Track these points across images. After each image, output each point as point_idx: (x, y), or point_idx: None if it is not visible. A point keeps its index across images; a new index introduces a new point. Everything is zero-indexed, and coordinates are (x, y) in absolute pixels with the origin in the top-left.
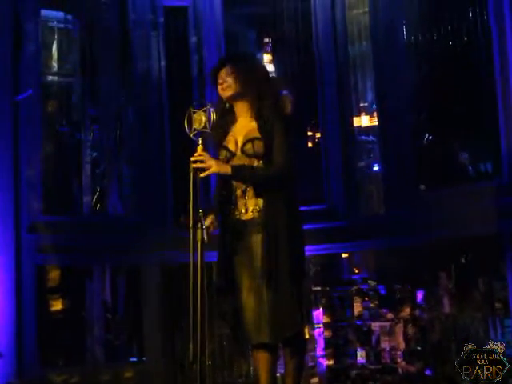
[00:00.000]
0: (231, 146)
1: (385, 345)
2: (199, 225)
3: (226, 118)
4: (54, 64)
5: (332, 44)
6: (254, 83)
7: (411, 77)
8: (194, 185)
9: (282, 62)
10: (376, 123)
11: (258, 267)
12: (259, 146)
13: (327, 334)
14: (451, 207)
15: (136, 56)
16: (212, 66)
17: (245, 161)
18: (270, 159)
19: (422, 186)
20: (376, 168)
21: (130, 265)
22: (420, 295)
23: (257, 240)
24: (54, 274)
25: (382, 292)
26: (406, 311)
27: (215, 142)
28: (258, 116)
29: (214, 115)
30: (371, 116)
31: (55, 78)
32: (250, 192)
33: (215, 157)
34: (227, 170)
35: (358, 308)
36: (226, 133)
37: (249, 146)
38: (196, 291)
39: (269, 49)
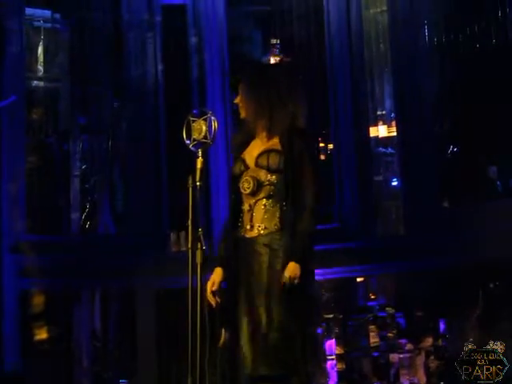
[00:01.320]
0: (247, 159)
1: (404, 379)
2: (198, 245)
3: (248, 133)
4: (40, 68)
5: (346, 46)
6: (266, 105)
7: (434, 82)
8: (193, 201)
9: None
10: (395, 133)
11: (262, 293)
12: (274, 159)
13: (340, 366)
14: (478, 227)
15: (130, 59)
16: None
17: (258, 173)
18: (288, 176)
19: (446, 204)
20: (395, 183)
21: (122, 289)
22: (443, 324)
23: (263, 261)
24: (40, 300)
25: (401, 320)
26: (428, 342)
27: (234, 156)
28: (276, 133)
29: (215, 124)
30: (389, 125)
31: (41, 83)
32: (258, 207)
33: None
34: (298, 269)
35: (374, 338)
36: (245, 146)
37: (263, 158)
38: (195, 318)
39: (276, 51)
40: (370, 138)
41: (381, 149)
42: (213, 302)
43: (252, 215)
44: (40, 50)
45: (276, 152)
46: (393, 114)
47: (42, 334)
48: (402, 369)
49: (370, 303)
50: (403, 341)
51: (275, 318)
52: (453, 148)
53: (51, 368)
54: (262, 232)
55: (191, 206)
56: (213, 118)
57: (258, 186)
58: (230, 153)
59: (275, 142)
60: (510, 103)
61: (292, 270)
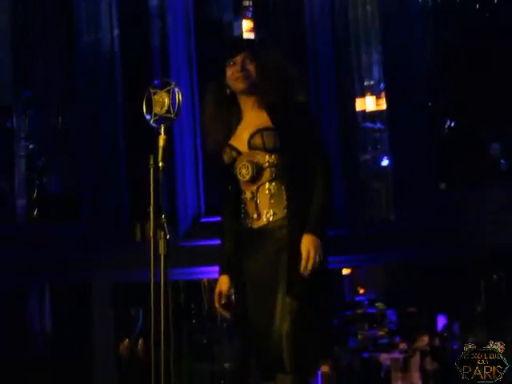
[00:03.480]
0: (238, 144)
1: (397, 383)
2: (162, 234)
3: (230, 112)
4: None
5: (329, 8)
6: (276, 79)
7: (428, 48)
8: (155, 184)
9: (266, 30)
10: (384, 107)
11: (278, 286)
12: (270, 138)
13: (325, 369)
14: (479, 212)
15: (82, 24)
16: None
17: (254, 157)
18: (289, 153)
19: (443, 186)
20: (385, 163)
21: (75, 285)
22: (441, 321)
23: (274, 252)
24: None
25: (393, 317)
26: (424, 341)
27: (216, 140)
28: (268, 106)
29: (179, 96)
30: (378, 97)
31: None
32: (262, 193)
33: (217, 157)
34: (316, 241)
35: (363, 337)
36: (230, 129)
37: (257, 138)
38: (158, 318)
39: (249, 14)
40: (356, 111)
41: (368, 124)
42: (227, 315)
43: (257, 203)
44: None
45: (270, 130)
46: (382, 85)
47: None
48: (396, 371)
49: (358, 298)
50: (396, 340)
51: (290, 312)
52: (450, 123)
53: None
54: (271, 219)
55: (153, 189)
56: (177, 89)
57: (258, 170)
58: (205, 130)
59: (266, 120)
60: None
61: (309, 243)
